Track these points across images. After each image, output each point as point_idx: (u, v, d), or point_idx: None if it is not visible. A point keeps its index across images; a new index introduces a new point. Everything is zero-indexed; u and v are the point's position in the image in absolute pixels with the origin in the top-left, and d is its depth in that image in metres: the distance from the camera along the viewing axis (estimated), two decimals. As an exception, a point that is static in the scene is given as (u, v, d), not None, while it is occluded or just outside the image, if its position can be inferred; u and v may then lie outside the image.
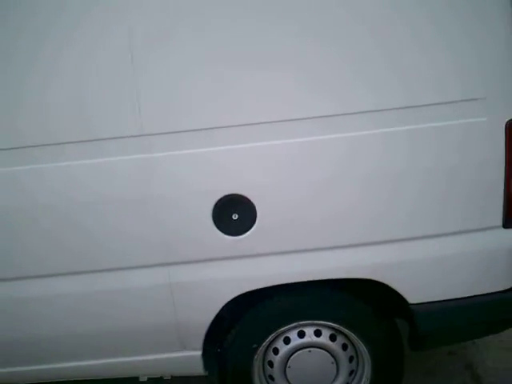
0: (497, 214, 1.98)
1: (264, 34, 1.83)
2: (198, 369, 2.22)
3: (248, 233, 1.95)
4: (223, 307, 2.06)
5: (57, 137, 1.88)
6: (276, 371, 2.21)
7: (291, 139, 1.89)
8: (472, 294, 2.08)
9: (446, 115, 1.88)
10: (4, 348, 2.13)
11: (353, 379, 2.26)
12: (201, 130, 1.88)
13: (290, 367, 2.19)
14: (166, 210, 1.93)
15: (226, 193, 1.91)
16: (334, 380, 2.22)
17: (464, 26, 1.84)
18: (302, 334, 2.15)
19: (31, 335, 2.10)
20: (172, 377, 2.35)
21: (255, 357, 2.17)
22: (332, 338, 2.16)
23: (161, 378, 2.35)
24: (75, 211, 1.94)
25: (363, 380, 2.25)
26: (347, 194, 1.93)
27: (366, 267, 2.02)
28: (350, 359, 2.20)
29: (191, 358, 2.18)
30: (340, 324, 2.12)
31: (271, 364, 2.21)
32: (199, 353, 2.17)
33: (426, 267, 2.04)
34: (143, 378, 2.34)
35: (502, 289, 2.09)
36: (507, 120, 1.90)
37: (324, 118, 1.87)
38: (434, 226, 1.99)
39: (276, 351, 2.19)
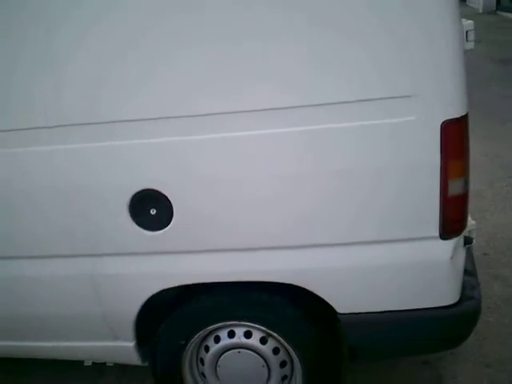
0: (433, 224, 1.80)
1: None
2: (134, 359, 2.22)
3: (166, 229, 1.89)
4: (149, 301, 2.03)
5: None
6: (207, 369, 2.16)
7: (204, 135, 1.80)
8: (407, 308, 1.92)
9: (370, 113, 1.72)
10: None
11: (287, 385, 2.17)
12: (117, 122, 1.84)
13: (220, 366, 2.13)
14: (86, 202, 1.92)
15: (142, 187, 1.85)
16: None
17: (392, 18, 1.66)
18: (232, 334, 2.09)
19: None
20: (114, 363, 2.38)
21: (184, 353, 2.13)
22: (263, 340, 2.08)
23: (104, 363, 2.39)
24: None
25: (297, 387, 2.16)
26: (266, 195, 1.82)
27: (288, 271, 1.91)
28: (282, 364, 2.11)
29: (124, 348, 2.18)
30: (267, 327, 2.03)
31: (203, 361, 2.17)
32: (132, 344, 2.16)
33: (356, 276, 1.90)
34: (88, 363, 2.38)
35: (443, 304, 1.91)
36: (443, 120, 1.71)
37: (241, 113, 1.77)
38: (363, 232, 1.84)
39: (207, 349, 2.14)
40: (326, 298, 1.93)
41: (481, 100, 6.20)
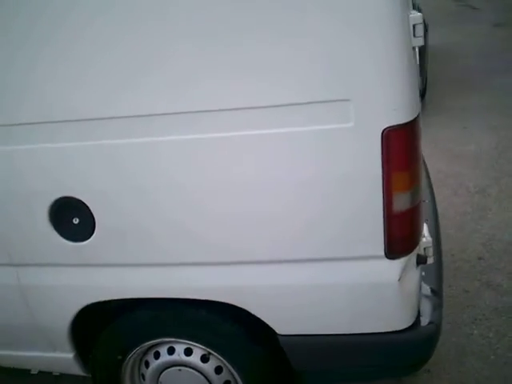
0: (377, 242, 1.61)
1: None
2: (76, 370, 2.11)
3: (89, 240, 1.75)
4: (83, 313, 1.90)
5: None
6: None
7: (120, 139, 1.63)
8: (353, 332, 1.74)
9: (300, 119, 1.53)
10: None
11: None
12: (34, 124, 1.69)
13: (161, 383, 2.01)
14: (5, 207, 1.80)
15: (62, 195, 1.71)
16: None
17: (327, 13, 1.45)
18: (172, 351, 1.95)
19: None
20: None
21: (122, 368, 2.00)
22: (204, 358, 1.93)
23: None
24: None
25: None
26: (192, 205, 1.66)
27: (219, 290, 1.75)
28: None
29: (64, 359, 2.06)
30: (205, 345, 1.89)
31: (144, 377, 2.04)
32: (71, 355, 2.04)
33: (294, 296, 1.72)
34: (34, 371, 2.29)
35: (391, 329, 1.72)
36: (384, 127, 1.51)
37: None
38: (300, 249, 1.66)
39: (147, 365, 2.01)
40: (264, 319, 1.77)
41: (500, 85, 5.87)
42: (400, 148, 1.54)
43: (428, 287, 1.93)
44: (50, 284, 1.87)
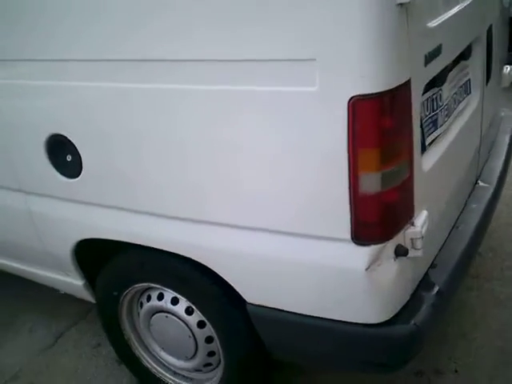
0: (343, 224, 1.42)
1: None
2: (88, 297, 2.23)
3: (79, 178, 1.80)
4: (85, 245, 1.99)
5: None
6: (141, 325, 2.09)
7: (108, 83, 1.61)
8: (318, 315, 1.59)
9: (257, 78, 1.37)
10: None
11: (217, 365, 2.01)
12: (36, 60, 1.74)
13: (152, 325, 2.05)
14: (10, 138, 1.90)
15: (54, 131, 1.76)
16: (193, 356, 2.00)
17: None
18: (161, 297, 1.96)
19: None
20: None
21: (119, 304, 2.06)
22: (188, 311, 1.92)
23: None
24: None
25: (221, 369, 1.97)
26: (164, 159, 1.59)
27: (186, 245, 1.70)
28: (208, 339, 1.93)
29: (76, 285, 2.19)
30: (187, 298, 1.87)
31: (139, 316, 2.09)
32: (81, 283, 2.16)
33: (263, 266, 1.61)
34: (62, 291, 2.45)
35: (360, 321, 1.54)
36: (351, 96, 1.30)
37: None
38: (265, 219, 1.54)
39: (141, 306, 2.05)
40: (233, 284, 1.69)
41: None
42: (369, 121, 1.31)
43: (435, 286, 1.69)
44: (49, 214, 1.98)
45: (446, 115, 1.76)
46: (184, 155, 1.56)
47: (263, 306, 1.68)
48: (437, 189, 1.70)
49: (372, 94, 1.29)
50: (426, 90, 1.60)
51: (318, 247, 1.50)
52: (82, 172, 1.78)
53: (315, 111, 1.34)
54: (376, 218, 1.43)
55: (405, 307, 1.60)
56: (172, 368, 2.12)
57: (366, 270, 1.46)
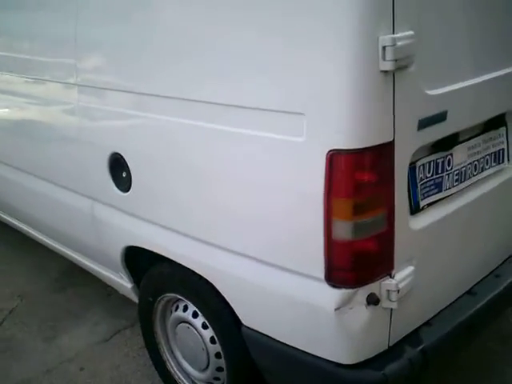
0: (318, 264, 1.56)
1: None
2: (135, 299, 2.51)
3: (128, 192, 2.11)
4: (129, 253, 2.29)
5: None
6: (169, 331, 2.33)
7: (163, 116, 1.89)
8: (296, 346, 1.71)
9: (255, 123, 1.58)
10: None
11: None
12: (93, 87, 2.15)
13: (177, 334, 2.27)
14: (85, 152, 2.27)
15: (114, 150, 2.10)
16: (205, 368, 2.18)
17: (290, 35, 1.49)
18: (186, 309, 2.18)
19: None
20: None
21: (153, 309, 2.31)
22: (205, 325, 2.12)
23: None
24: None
25: None
26: (189, 187, 1.87)
27: (200, 264, 1.92)
28: (217, 355, 2.11)
29: (126, 287, 2.50)
30: (201, 313, 2.07)
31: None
32: (130, 286, 2.46)
33: (252, 292, 1.80)
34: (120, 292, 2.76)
35: (329, 358, 1.64)
36: (329, 149, 1.45)
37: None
38: (253, 248, 1.73)
39: (170, 314, 2.29)
40: (231, 304, 1.87)
41: None
42: (343, 173, 1.46)
43: (420, 343, 1.73)
44: (107, 220, 2.31)
45: (457, 180, 1.81)
46: (208, 185, 1.80)
47: (254, 330, 1.84)
48: (435, 249, 1.76)
49: (347, 150, 1.44)
50: (429, 153, 1.69)
51: (297, 281, 1.65)
52: (131, 188, 2.09)
53: (301, 158, 1.52)
54: (347, 263, 1.54)
55: (381, 355, 1.68)
56: (191, 377, 2.33)
57: (336, 310, 1.57)
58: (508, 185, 2.04)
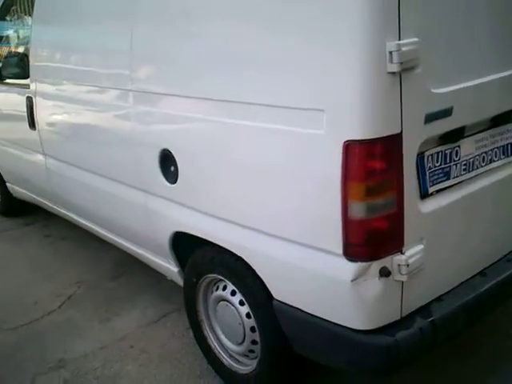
0: (337, 241, 1.80)
1: None
2: (180, 283, 2.80)
3: (176, 184, 2.40)
4: (176, 238, 2.58)
5: None
6: (210, 310, 2.60)
7: (210, 116, 2.17)
8: (319, 315, 1.96)
9: (283, 119, 1.85)
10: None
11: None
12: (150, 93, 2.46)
13: (217, 311, 2.54)
14: (137, 149, 2.58)
15: (164, 147, 2.40)
16: (242, 342, 2.44)
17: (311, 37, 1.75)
18: (225, 288, 2.45)
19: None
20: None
21: (196, 289, 2.59)
22: (241, 302, 2.37)
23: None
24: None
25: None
26: (231, 178, 2.14)
27: (237, 245, 2.19)
28: (252, 329, 2.36)
29: (173, 271, 2.79)
30: (238, 290, 2.34)
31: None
32: (176, 270, 2.75)
33: (282, 269, 2.05)
34: (168, 277, 3.05)
35: (347, 325, 1.88)
36: (345, 139, 1.69)
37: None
38: (282, 229, 1.99)
39: (211, 293, 2.56)
40: (264, 280, 2.13)
41: None
42: (356, 161, 1.70)
43: (430, 316, 1.94)
44: (158, 209, 2.61)
45: (465, 169, 2.02)
46: (247, 176, 2.07)
47: (283, 303, 2.09)
48: (444, 231, 1.96)
49: (360, 140, 1.68)
50: (437, 144, 1.91)
51: (319, 257, 1.89)
52: (178, 180, 2.38)
53: (322, 148, 1.77)
54: (361, 239, 1.78)
55: (394, 324, 1.90)
56: (228, 351, 2.58)
57: (352, 281, 1.80)
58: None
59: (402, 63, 1.64)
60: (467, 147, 2.01)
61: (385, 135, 1.69)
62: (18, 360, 2.94)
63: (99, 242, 3.79)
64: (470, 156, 2.04)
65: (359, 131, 1.68)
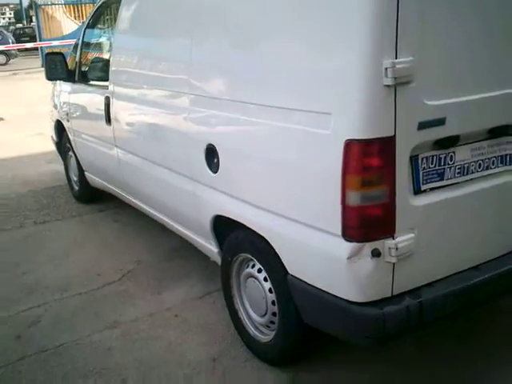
0: (337, 224, 2.16)
1: None
2: (219, 262, 3.20)
3: (217, 173, 2.82)
4: (222, 222, 2.99)
5: None
6: (241, 286, 2.99)
7: (245, 117, 2.60)
8: (322, 288, 2.31)
9: (297, 120, 2.26)
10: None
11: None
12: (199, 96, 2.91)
13: (246, 287, 2.93)
14: (189, 143, 3.03)
15: (209, 142, 2.84)
16: (265, 314, 2.82)
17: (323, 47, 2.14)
18: (253, 266, 2.84)
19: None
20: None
21: (231, 266, 3.00)
22: (265, 279, 2.75)
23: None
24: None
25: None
26: (259, 171, 2.57)
27: (261, 227, 2.58)
28: (273, 302, 2.73)
29: (213, 252, 3.21)
30: (263, 267, 2.72)
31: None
32: (216, 250, 3.17)
33: (293, 245, 2.45)
34: (213, 259, 3.47)
35: (342, 296, 2.23)
36: (346, 139, 2.04)
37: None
38: (293, 212, 2.39)
39: (242, 270, 2.95)
40: (280, 256, 2.51)
41: None
42: (353, 157, 2.05)
43: (419, 297, 2.24)
44: (203, 195, 3.05)
45: (459, 173, 2.31)
46: (271, 168, 2.48)
47: (294, 277, 2.46)
48: (435, 225, 2.26)
49: (358, 140, 2.04)
50: (432, 149, 2.22)
51: (323, 237, 2.25)
52: (219, 171, 2.80)
53: (327, 145, 2.14)
54: (356, 223, 2.12)
55: (385, 299, 2.22)
56: (254, 322, 2.96)
57: (348, 259, 2.15)
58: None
59: (396, 78, 1.98)
60: (463, 153, 2.30)
61: (379, 136, 2.04)
62: (74, 321, 3.46)
63: (159, 230, 4.33)
64: (466, 162, 2.32)
65: (357, 132, 2.03)
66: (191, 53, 2.99)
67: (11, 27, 48.01)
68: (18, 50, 24.68)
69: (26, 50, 24.66)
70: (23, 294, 3.80)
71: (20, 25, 46.18)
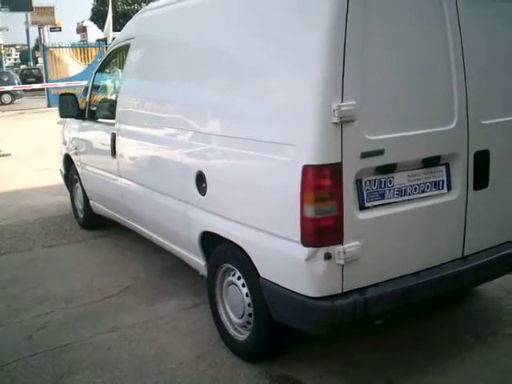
0: (297, 232, 2.69)
1: None
2: (206, 274, 3.71)
3: (205, 196, 3.37)
4: (208, 237, 3.51)
5: None
6: (223, 292, 3.50)
7: (234, 149, 3.16)
8: (286, 287, 2.82)
9: (265, 150, 2.82)
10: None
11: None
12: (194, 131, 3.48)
13: (228, 293, 3.44)
14: (181, 170, 3.59)
15: (199, 169, 3.40)
16: (242, 315, 3.31)
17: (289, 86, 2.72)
18: (234, 274, 3.35)
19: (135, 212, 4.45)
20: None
21: (215, 276, 3.51)
22: (243, 285, 3.25)
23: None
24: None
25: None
26: (234, 191, 3.14)
27: (238, 237, 3.11)
28: (249, 305, 3.23)
29: (201, 265, 3.73)
30: (242, 274, 3.22)
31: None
32: (203, 263, 3.68)
33: (260, 251, 3.01)
34: (201, 273, 3.97)
35: (301, 292, 2.74)
36: (303, 164, 2.59)
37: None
38: (262, 223, 2.93)
39: (225, 279, 3.46)
40: (254, 262, 3.02)
41: None
42: (309, 178, 2.61)
43: (364, 294, 2.74)
44: (192, 215, 3.58)
45: (398, 194, 2.85)
46: (244, 189, 3.05)
47: (264, 278, 2.97)
48: (378, 235, 2.79)
49: (312, 165, 2.59)
50: (374, 174, 2.77)
51: (286, 244, 2.79)
52: (206, 194, 3.35)
53: (288, 170, 2.71)
54: (311, 231, 2.65)
55: (336, 295, 2.73)
56: (233, 323, 3.45)
57: (305, 260, 2.67)
58: (446, 205, 3.03)
59: (341, 117, 2.56)
60: (400, 178, 2.86)
61: (329, 162, 2.59)
62: (77, 326, 3.94)
63: (154, 251, 4.86)
64: (403, 185, 2.88)
65: (312, 159, 2.59)
66: (183, 95, 3.60)
67: (15, 68, 49.51)
68: (24, 90, 25.64)
69: (33, 90, 25.60)
70: (33, 304, 4.30)
71: (24, 66, 47.60)
